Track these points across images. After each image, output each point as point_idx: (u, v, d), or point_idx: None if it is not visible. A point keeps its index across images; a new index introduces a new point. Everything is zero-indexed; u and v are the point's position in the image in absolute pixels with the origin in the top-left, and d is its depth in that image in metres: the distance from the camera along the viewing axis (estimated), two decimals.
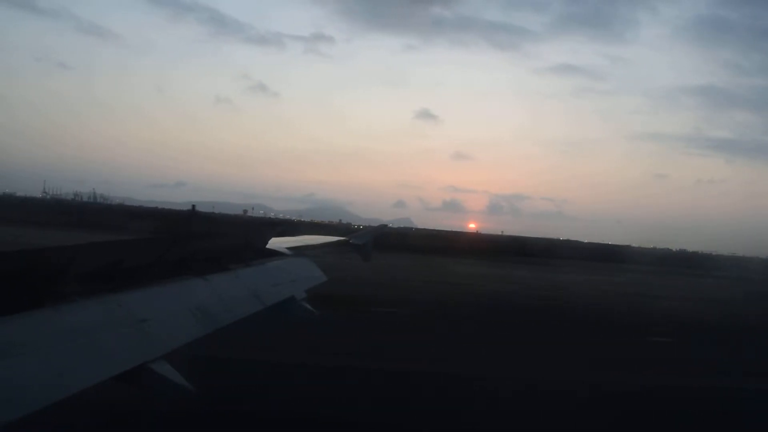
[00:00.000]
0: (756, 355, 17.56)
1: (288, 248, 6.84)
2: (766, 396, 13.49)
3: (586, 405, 11.84)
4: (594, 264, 66.28)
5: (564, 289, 36.10)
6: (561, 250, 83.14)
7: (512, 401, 11.71)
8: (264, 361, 12.62)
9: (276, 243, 6.80)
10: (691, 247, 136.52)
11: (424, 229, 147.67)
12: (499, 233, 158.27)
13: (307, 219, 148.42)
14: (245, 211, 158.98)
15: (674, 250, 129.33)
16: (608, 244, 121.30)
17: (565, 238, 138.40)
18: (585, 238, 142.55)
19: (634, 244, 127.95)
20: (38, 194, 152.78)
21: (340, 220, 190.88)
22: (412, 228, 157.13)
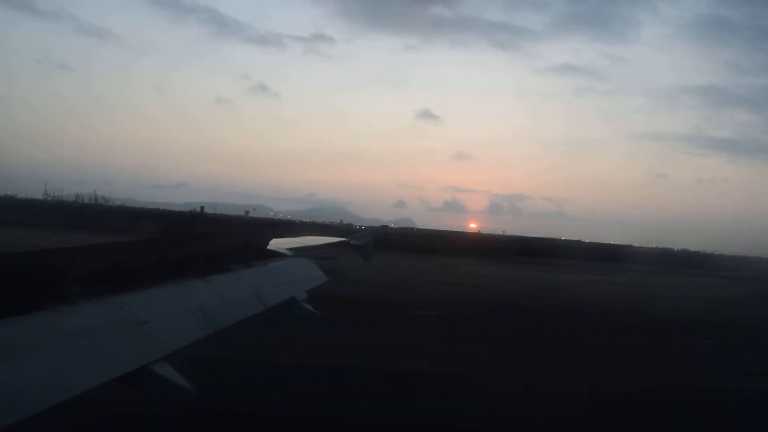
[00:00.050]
0: None
1: (289, 249, 6.84)
2: None
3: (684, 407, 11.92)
4: (604, 265, 66.01)
5: (592, 292, 36.06)
6: (566, 251, 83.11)
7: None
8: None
9: (277, 244, 6.80)
10: (692, 246, 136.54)
11: (427, 230, 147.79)
12: (501, 233, 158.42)
13: (308, 219, 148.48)
14: (247, 212, 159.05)
15: (676, 249, 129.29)
16: (611, 244, 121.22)
17: (566, 238, 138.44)
18: (585, 238, 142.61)
19: (635, 244, 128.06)
20: (40, 196, 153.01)
21: (341, 221, 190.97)
22: (413, 228, 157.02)
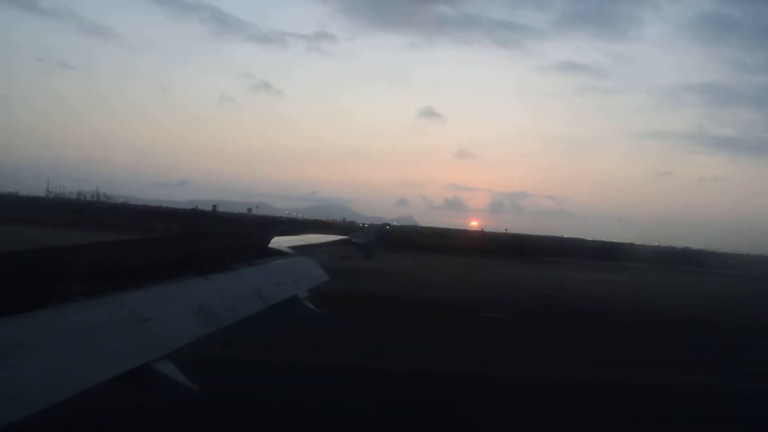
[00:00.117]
0: None
1: (290, 247, 6.84)
2: None
3: None
4: (618, 264, 65.41)
5: (617, 289, 35.77)
6: (574, 249, 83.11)
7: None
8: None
9: (278, 242, 6.80)
10: (694, 245, 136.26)
11: (431, 228, 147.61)
12: (503, 231, 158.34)
13: (310, 218, 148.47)
14: (250, 210, 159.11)
15: (678, 248, 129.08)
16: (618, 243, 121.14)
17: (568, 236, 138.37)
18: (587, 236, 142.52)
19: (637, 242, 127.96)
20: (42, 194, 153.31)
21: (344, 218, 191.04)
22: (416, 226, 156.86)
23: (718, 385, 13.88)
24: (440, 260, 50.20)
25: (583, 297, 30.83)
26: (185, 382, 3.02)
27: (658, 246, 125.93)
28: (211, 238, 5.43)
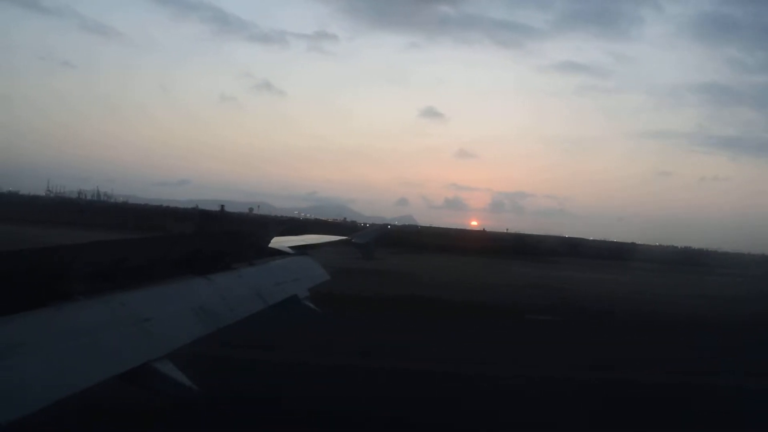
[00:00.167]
0: None
1: (291, 247, 6.85)
2: None
3: None
4: (624, 264, 64.50)
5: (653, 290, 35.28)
6: (576, 249, 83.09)
7: None
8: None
9: (279, 242, 6.81)
10: (695, 244, 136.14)
11: (433, 227, 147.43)
12: (504, 230, 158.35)
13: (312, 217, 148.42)
14: (251, 210, 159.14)
15: (679, 247, 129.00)
16: (621, 243, 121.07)
17: (569, 236, 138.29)
18: (588, 236, 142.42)
19: (638, 242, 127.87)
20: (42, 193, 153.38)
21: (345, 218, 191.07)
22: (417, 226, 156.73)
23: None
24: (450, 261, 49.79)
25: (613, 298, 30.19)
26: (185, 381, 3.02)
27: (659, 245, 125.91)
28: (211, 238, 5.43)
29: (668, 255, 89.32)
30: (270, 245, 6.12)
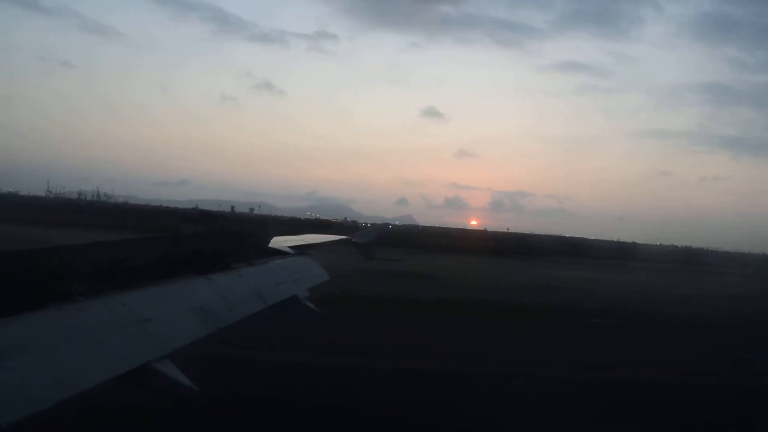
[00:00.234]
0: None
1: (290, 247, 6.85)
2: None
3: None
4: (635, 264, 63.97)
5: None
6: (587, 249, 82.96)
7: None
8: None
9: (278, 242, 6.81)
10: (695, 243, 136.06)
11: (434, 227, 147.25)
12: (504, 230, 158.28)
13: (313, 217, 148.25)
14: (252, 210, 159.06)
15: (680, 246, 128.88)
16: (623, 242, 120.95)
17: (569, 236, 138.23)
18: (588, 236, 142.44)
19: (638, 241, 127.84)
20: (42, 193, 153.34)
21: (346, 218, 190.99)
22: (418, 226, 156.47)
23: None
24: (466, 261, 49.71)
25: (661, 301, 30.08)
26: (186, 381, 3.02)
27: (660, 245, 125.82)
28: (211, 238, 5.44)
29: (672, 255, 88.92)
30: (270, 245, 6.13)
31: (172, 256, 4.10)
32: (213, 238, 5.60)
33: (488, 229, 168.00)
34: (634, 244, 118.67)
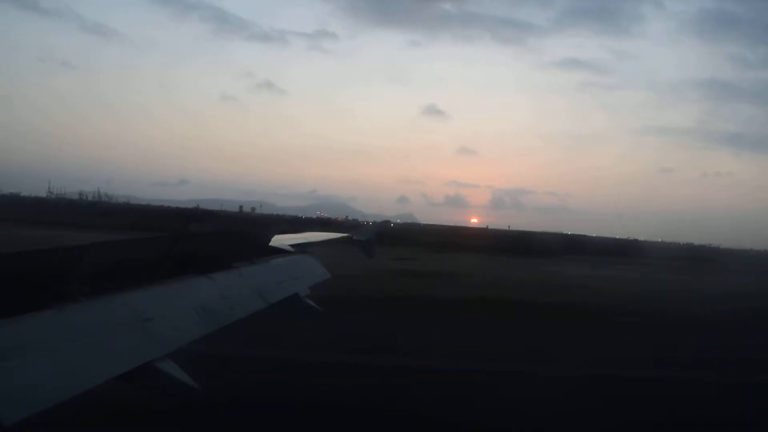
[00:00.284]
0: None
1: (291, 245, 6.85)
2: None
3: None
4: (642, 261, 64.20)
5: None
6: (590, 247, 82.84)
7: None
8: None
9: (279, 240, 6.82)
10: (696, 240, 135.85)
11: (436, 225, 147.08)
12: (506, 228, 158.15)
13: (314, 216, 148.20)
14: (253, 209, 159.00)
15: (682, 243, 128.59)
16: (628, 240, 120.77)
17: (572, 233, 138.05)
18: (590, 233, 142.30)
19: (640, 238, 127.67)
20: (43, 194, 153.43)
21: (347, 217, 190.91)
22: (418, 223, 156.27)
23: None
24: (476, 260, 49.69)
25: (685, 298, 29.90)
26: (187, 380, 3.03)
27: (662, 242, 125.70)
28: (212, 237, 5.44)
29: (678, 252, 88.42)
30: (271, 244, 6.13)
31: (174, 256, 4.10)
32: (213, 237, 5.60)
33: (489, 226, 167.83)
34: (637, 241, 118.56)
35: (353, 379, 12.11)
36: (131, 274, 3.52)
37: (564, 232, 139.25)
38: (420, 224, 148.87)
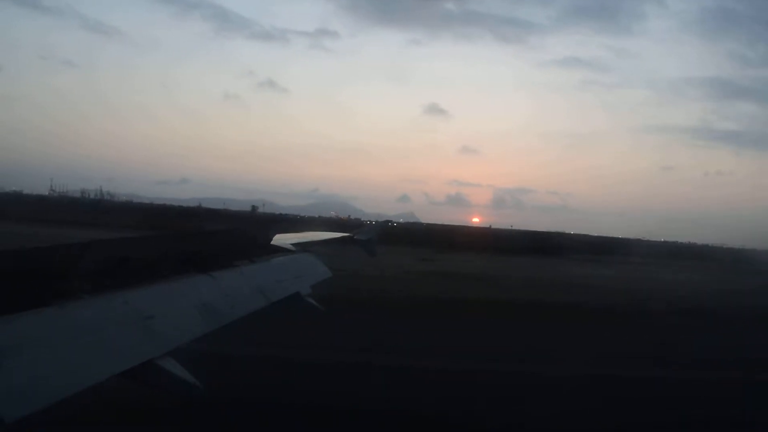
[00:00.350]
0: None
1: (292, 244, 6.86)
2: None
3: None
4: (655, 260, 63.38)
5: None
6: (595, 246, 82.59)
7: None
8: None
9: (280, 239, 6.82)
10: (698, 239, 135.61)
11: (440, 224, 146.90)
12: (509, 227, 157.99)
13: (315, 215, 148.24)
14: (256, 208, 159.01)
15: (685, 242, 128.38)
16: (629, 239, 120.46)
17: (575, 232, 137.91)
18: (591, 232, 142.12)
19: (643, 237, 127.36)
20: (45, 192, 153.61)
21: (349, 216, 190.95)
22: (420, 223, 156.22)
23: None
24: (493, 260, 49.48)
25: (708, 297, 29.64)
26: (189, 378, 3.03)
27: (664, 241, 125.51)
28: (213, 236, 5.45)
29: (685, 251, 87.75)
30: (272, 242, 6.13)
31: (175, 254, 4.11)
32: (215, 235, 5.60)
33: (492, 226, 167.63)
34: (638, 240, 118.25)
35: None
36: (133, 272, 3.53)
37: (567, 232, 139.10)
38: (423, 223, 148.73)
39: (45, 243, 3.27)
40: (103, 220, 61.79)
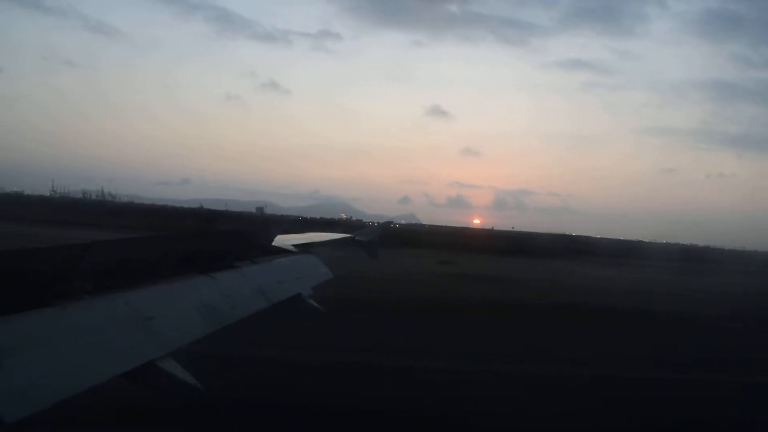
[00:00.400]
0: None
1: (294, 245, 6.85)
2: None
3: None
4: (663, 263, 62.95)
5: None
6: (602, 248, 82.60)
7: None
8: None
9: (282, 240, 6.82)
10: (700, 241, 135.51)
11: (442, 226, 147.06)
12: (510, 229, 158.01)
13: (317, 216, 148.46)
14: (262, 209, 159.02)
15: (687, 244, 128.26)
16: (638, 241, 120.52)
17: (576, 234, 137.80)
18: (593, 234, 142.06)
19: (644, 239, 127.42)
20: (47, 193, 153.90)
21: (351, 217, 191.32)
22: (422, 224, 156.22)
23: None
24: (506, 262, 49.41)
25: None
26: (189, 379, 3.03)
27: (666, 243, 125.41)
28: (214, 237, 5.44)
29: (692, 254, 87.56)
30: (273, 243, 6.13)
31: (176, 255, 4.11)
32: (216, 236, 5.60)
33: (494, 227, 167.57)
34: (640, 242, 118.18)
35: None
36: (133, 273, 3.52)
37: (568, 233, 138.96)
38: (424, 225, 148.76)
39: (46, 243, 3.26)
40: (104, 220, 61.86)
